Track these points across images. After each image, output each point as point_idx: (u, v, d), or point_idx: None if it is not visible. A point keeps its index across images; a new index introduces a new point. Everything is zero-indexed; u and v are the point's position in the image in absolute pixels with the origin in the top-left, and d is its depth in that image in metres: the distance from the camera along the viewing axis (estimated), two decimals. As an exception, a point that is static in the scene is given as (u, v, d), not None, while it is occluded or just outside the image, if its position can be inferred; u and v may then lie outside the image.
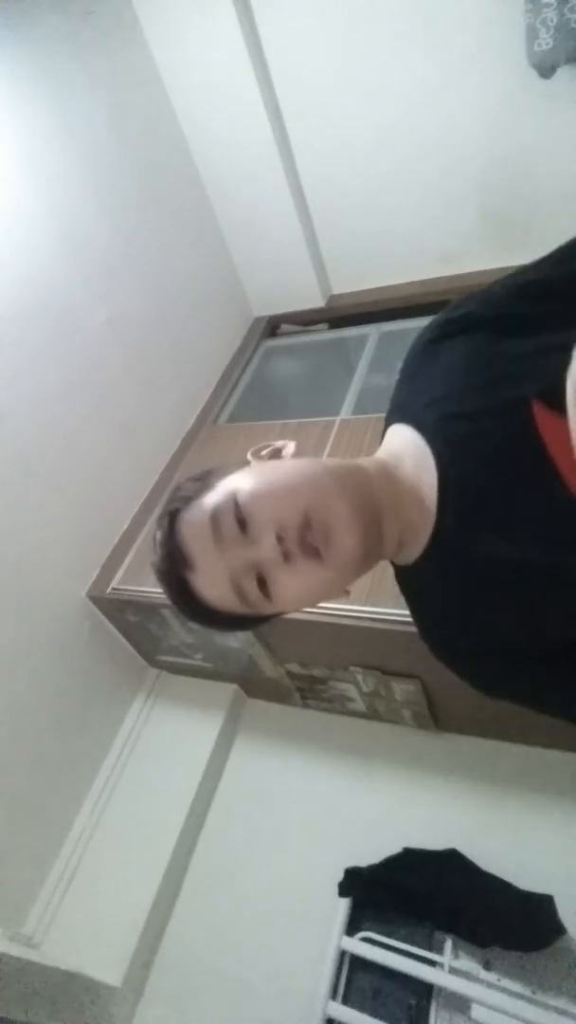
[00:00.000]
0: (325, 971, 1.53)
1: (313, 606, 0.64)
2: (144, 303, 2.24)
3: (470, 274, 2.48)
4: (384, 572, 1.60)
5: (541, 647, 0.60)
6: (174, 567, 0.61)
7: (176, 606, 0.63)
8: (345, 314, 2.77)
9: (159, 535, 0.63)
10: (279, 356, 2.84)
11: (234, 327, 2.86)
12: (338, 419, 2.18)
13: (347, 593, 0.65)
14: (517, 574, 0.57)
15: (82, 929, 1.74)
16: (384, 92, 2.14)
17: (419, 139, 2.20)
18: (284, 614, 0.64)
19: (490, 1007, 1.39)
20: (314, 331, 2.88)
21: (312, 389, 2.58)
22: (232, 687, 2.16)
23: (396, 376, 0.72)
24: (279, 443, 0.69)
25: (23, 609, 1.80)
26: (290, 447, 0.68)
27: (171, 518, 0.62)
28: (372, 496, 0.62)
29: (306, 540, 0.57)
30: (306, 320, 2.87)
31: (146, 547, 2.06)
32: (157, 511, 0.66)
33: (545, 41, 1.79)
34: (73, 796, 1.98)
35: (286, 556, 0.57)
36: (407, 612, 0.72)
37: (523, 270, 0.67)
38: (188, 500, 0.62)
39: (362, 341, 2.59)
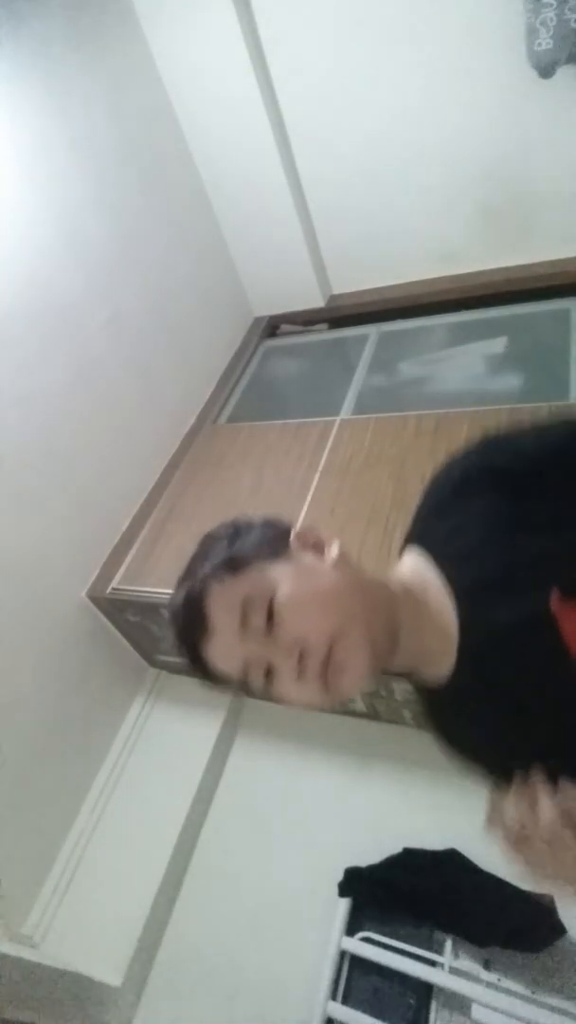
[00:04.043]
0: (325, 971, 1.53)
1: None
2: (144, 303, 2.24)
3: (470, 274, 2.48)
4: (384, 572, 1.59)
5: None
6: (193, 628, 0.64)
7: (187, 660, 0.66)
8: (345, 314, 2.76)
9: (187, 588, 0.65)
10: (279, 356, 2.84)
11: (234, 327, 2.86)
12: (338, 419, 2.18)
13: None
14: (525, 737, 0.62)
15: (82, 929, 1.74)
16: (384, 92, 2.14)
17: (419, 139, 2.20)
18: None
19: (490, 1007, 1.39)
20: (314, 331, 2.88)
21: (312, 389, 2.58)
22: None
23: (419, 503, 0.74)
24: (326, 534, 0.70)
25: (23, 609, 1.80)
26: (335, 548, 0.68)
27: (204, 580, 0.64)
28: (395, 625, 0.65)
29: (323, 667, 0.60)
30: (306, 320, 2.87)
31: (146, 547, 2.06)
32: (185, 566, 0.69)
33: (545, 41, 1.79)
34: (73, 796, 1.98)
35: (300, 673, 0.60)
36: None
37: (565, 425, 0.69)
38: (221, 567, 0.64)
39: (362, 341, 2.59)
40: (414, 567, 0.70)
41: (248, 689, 0.65)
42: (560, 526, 0.62)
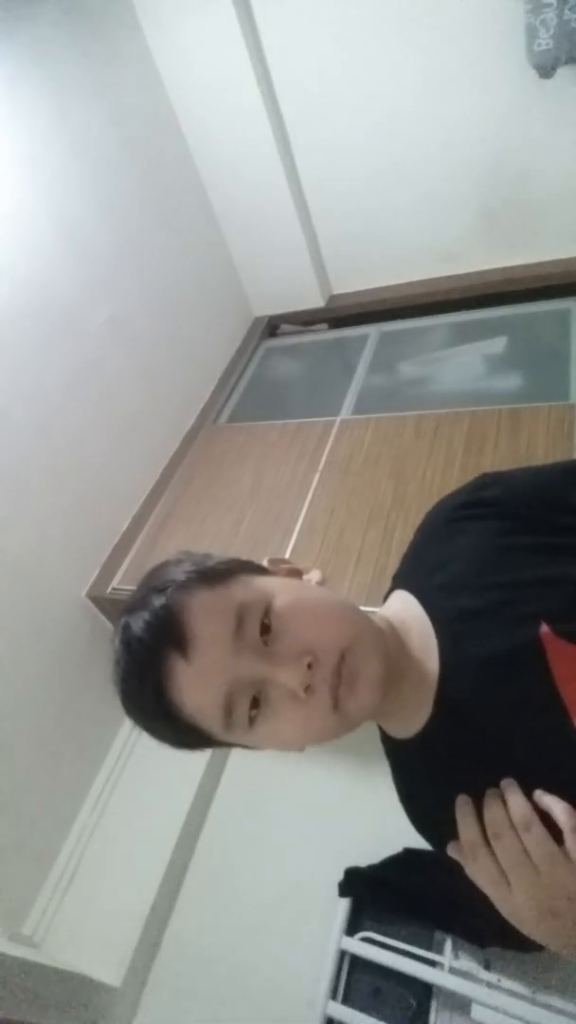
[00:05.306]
0: (325, 971, 1.53)
1: (279, 749, 0.58)
2: (144, 303, 2.24)
3: (470, 274, 2.48)
4: (384, 572, 1.60)
5: None
6: (162, 648, 0.50)
7: (130, 697, 0.53)
8: (345, 314, 2.76)
9: (152, 601, 0.52)
10: (279, 356, 2.84)
11: (234, 327, 2.86)
12: (338, 419, 2.18)
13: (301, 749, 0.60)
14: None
15: (82, 929, 1.74)
16: (384, 92, 2.14)
17: (419, 139, 2.20)
18: (243, 747, 0.58)
19: (490, 1007, 1.39)
20: (314, 331, 2.88)
21: (312, 389, 2.58)
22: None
23: (412, 543, 0.70)
24: (301, 565, 0.65)
25: (22, 609, 1.80)
26: (315, 575, 0.63)
27: (183, 588, 0.53)
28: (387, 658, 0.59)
29: (335, 678, 0.53)
30: (306, 320, 2.87)
31: (146, 547, 2.06)
32: (140, 582, 0.58)
33: (545, 41, 1.79)
34: (73, 796, 1.98)
35: (308, 689, 0.51)
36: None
37: (565, 468, 0.66)
38: (204, 575, 0.54)
39: (362, 341, 2.59)
40: (397, 607, 0.65)
41: (227, 728, 0.53)
42: (553, 555, 0.57)
